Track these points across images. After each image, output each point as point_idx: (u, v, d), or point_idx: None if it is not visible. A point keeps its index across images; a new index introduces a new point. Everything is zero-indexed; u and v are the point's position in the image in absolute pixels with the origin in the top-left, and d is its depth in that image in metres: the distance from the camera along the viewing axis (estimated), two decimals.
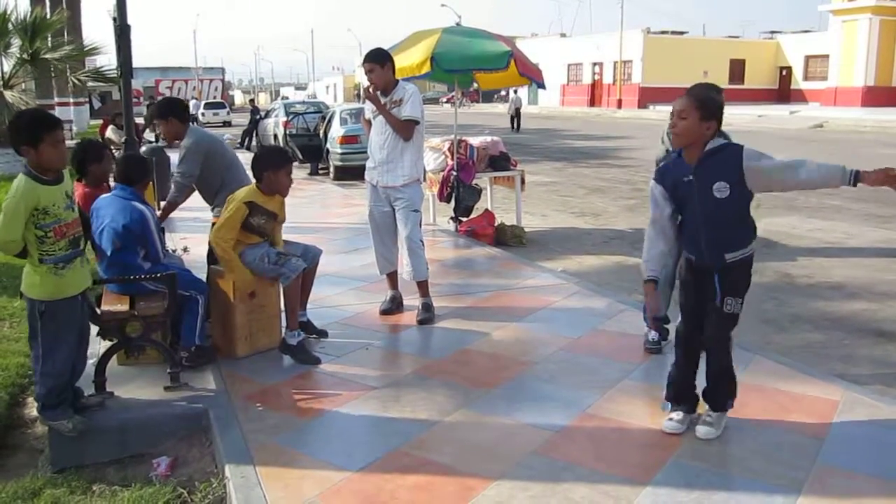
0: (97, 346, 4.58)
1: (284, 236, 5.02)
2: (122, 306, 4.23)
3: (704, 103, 3.32)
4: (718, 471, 3.25)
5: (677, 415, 3.64)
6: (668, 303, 4.79)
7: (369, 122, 5.54)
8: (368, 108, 5.55)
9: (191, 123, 5.34)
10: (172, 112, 5.21)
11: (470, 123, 31.67)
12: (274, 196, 4.69)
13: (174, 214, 5.63)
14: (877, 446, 3.47)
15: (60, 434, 3.65)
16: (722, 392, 3.61)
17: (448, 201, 8.89)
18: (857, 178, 3.17)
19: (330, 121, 16.60)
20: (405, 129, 5.26)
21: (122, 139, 9.78)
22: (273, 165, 4.61)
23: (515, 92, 31.00)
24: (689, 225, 3.51)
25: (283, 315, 4.73)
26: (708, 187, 3.34)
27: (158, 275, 4.28)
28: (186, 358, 4.42)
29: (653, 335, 4.76)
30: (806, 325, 5.71)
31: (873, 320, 5.82)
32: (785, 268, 7.42)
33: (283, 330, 4.72)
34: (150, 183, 8.19)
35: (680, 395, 3.70)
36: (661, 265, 3.59)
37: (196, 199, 5.60)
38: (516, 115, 30.96)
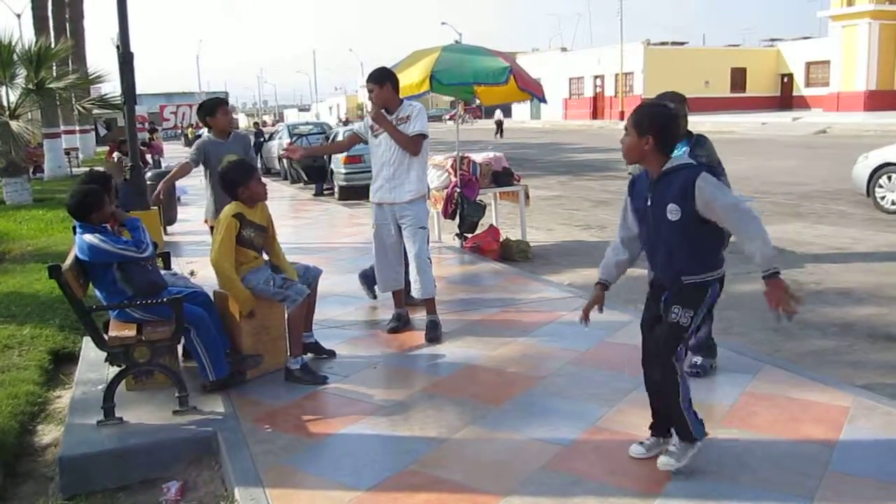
0: (105, 371, 4.60)
1: (288, 257, 5.03)
2: (129, 332, 4.25)
3: (639, 119, 3.19)
4: (729, 481, 3.23)
5: (647, 440, 3.50)
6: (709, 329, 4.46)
7: (356, 136, 5.67)
8: (361, 125, 5.64)
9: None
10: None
11: (473, 140, 31.75)
12: (256, 208, 4.72)
13: (180, 239, 5.65)
14: (889, 452, 3.45)
15: (70, 461, 3.66)
16: (678, 424, 3.33)
17: (452, 218, 8.91)
18: (770, 276, 2.99)
19: (333, 141, 16.68)
20: (414, 144, 5.34)
21: (127, 165, 9.83)
22: (242, 181, 4.64)
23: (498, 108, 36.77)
24: (645, 241, 3.37)
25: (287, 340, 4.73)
26: (662, 207, 3.19)
27: (151, 301, 4.30)
28: (208, 389, 4.41)
29: (698, 359, 4.44)
30: (815, 332, 5.68)
31: (882, 325, 5.78)
32: (792, 274, 7.39)
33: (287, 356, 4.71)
34: (158, 208, 8.21)
35: (652, 418, 3.52)
36: (617, 273, 3.48)
37: (200, 223, 5.64)
38: (499, 125, 38.70)
